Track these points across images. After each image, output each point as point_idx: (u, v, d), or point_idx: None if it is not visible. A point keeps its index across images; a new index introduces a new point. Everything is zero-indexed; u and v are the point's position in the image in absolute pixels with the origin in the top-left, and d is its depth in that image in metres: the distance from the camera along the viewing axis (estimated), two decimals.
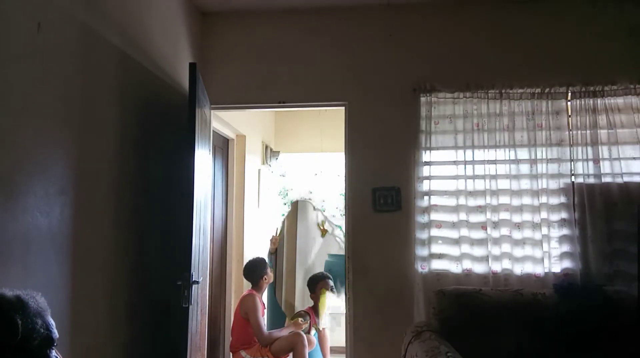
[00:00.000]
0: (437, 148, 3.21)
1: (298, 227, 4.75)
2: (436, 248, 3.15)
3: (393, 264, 3.21)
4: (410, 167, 3.22)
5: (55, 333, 1.24)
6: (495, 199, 3.14)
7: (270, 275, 3.80)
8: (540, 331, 2.71)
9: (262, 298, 3.78)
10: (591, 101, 3.13)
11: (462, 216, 3.15)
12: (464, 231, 3.14)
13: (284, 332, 3.65)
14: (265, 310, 3.83)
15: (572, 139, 3.14)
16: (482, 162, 3.18)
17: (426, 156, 3.19)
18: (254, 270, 3.79)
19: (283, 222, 4.92)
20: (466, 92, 3.20)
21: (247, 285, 3.97)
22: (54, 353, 1.24)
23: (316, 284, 3.96)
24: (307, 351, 3.62)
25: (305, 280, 4.40)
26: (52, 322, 1.25)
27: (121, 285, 2.36)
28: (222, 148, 4.26)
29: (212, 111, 3.37)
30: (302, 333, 3.65)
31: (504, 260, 3.10)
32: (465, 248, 3.13)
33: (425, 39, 3.34)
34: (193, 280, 2.43)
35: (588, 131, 3.11)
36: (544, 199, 3.12)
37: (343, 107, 3.38)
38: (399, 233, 3.22)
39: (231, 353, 3.73)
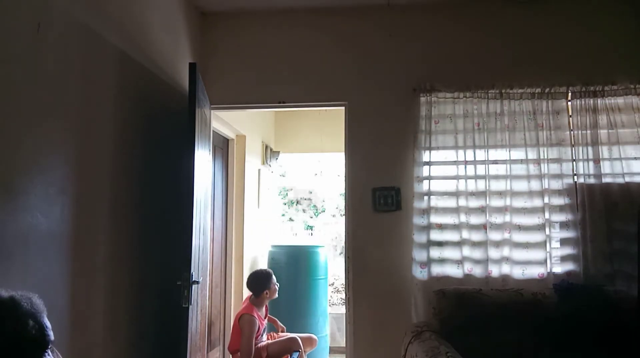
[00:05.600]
0: (437, 148, 3.21)
1: None
2: (436, 249, 3.14)
3: (393, 264, 3.21)
4: (410, 167, 3.22)
5: (50, 336, 1.21)
6: (496, 199, 3.14)
7: (273, 290, 3.69)
8: (540, 331, 2.71)
9: (261, 313, 3.66)
10: (591, 101, 3.12)
11: (463, 216, 3.15)
12: (464, 232, 3.13)
13: None
14: (265, 322, 3.73)
15: (573, 139, 3.14)
16: (483, 162, 3.17)
17: (426, 156, 3.19)
18: (257, 283, 3.58)
19: None
20: (466, 92, 3.20)
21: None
22: (49, 355, 1.21)
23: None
24: (304, 354, 3.59)
25: None
26: (47, 323, 1.22)
27: (121, 285, 2.35)
28: (222, 148, 4.26)
29: (212, 111, 3.37)
30: (297, 337, 3.62)
31: (505, 260, 3.09)
32: (466, 248, 3.12)
33: (425, 39, 3.34)
34: (193, 280, 2.43)
35: (588, 131, 3.11)
36: (546, 199, 3.11)
37: (343, 107, 3.38)
38: (399, 233, 3.22)
39: (230, 354, 3.72)
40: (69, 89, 1.95)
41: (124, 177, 2.38)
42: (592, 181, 3.08)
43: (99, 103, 2.18)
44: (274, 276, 3.65)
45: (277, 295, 3.67)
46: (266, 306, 3.71)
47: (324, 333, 4.55)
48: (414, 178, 3.18)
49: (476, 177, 3.17)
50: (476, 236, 3.13)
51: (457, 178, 3.18)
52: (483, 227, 3.12)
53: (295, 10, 3.42)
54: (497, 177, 3.16)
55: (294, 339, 3.59)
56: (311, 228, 8.47)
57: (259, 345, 3.57)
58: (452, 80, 3.20)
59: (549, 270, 3.06)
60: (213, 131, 3.58)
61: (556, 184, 3.12)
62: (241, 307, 3.64)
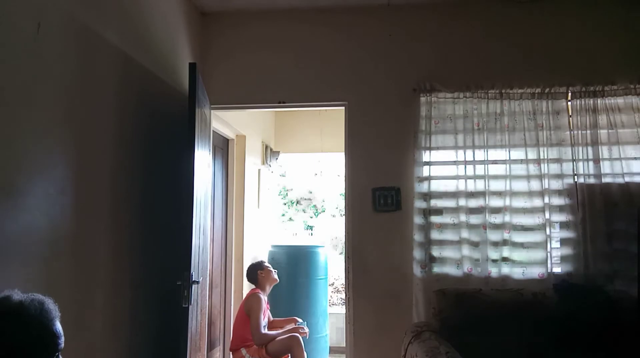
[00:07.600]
0: (437, 148, 3.21)
1: None
2: (436, 249, 3.14)
3: (393, 264, 3.21)
4: (410, 167, 3.22)
5: (60, 344, 1.16)
6: (496, 199, 3.14)
7: (267, 271, 3.79)
8: (540, 331, 2.71)
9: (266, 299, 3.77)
10: (591, 101, 3.13)
11: (462, 217, 3.15)
12: (464, 232, 3.14)
13: (282, 335, 3.62)
14: (269, 310, 3.82)
15: (573, 139, 3.13)
16: (483, 162, 3.17)
17: (426, 156, 3.19)
18: (250, 271, 3.83)
19: None
20: (466, 92, 3.20)
21: (248, 286, 3.97)
22: None
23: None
24: (304, 354, 3.61)
25: None
26: (59, 331, 1.16)
27: (121, 285, 2.35)
28: (222, 148, 4.27)
29: (212, 111, 3.37)
30: (299, 335, 3.63)
31: (505, 260, 3.09)
32: (465, 248, 3.12)
33: (425, 39, 3.34)
34: (193, 280, 2.43)
35: (588, 131, 3.11)
36: (546, 199, 3.11)
37: (343, 107, 3.39)
38: (399, 233, 3.22)
39: (231, 353, 3.72)
40: (69, 89, 1.95)
41: (124, 177, 2.38)
42: (592, 181, 3.08)
43: (98, 103, 2.18)
44: (266, 263, 3.88)
45: (277, 278, 3.87)
46: (267, 302, 3.75)
47: (324, 333, 4.55)
48: (414, 178, 3.18)
49: (476, 177, 3.17)
50: (476, 236, 3.13)
51: (457, 178, 3.18)
52: (483, 227, 3.12)
53: (295, 10, 3.42)
54: (496, 177, 3.16)
55: (295, 337, 3.60)
56: (311, 228, 8.46)
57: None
58: (452, 80, 3.20)
59: (549, 270, 3.06)
60: (213, 131, 3.58)
61: (556, 184, 3.12)
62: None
